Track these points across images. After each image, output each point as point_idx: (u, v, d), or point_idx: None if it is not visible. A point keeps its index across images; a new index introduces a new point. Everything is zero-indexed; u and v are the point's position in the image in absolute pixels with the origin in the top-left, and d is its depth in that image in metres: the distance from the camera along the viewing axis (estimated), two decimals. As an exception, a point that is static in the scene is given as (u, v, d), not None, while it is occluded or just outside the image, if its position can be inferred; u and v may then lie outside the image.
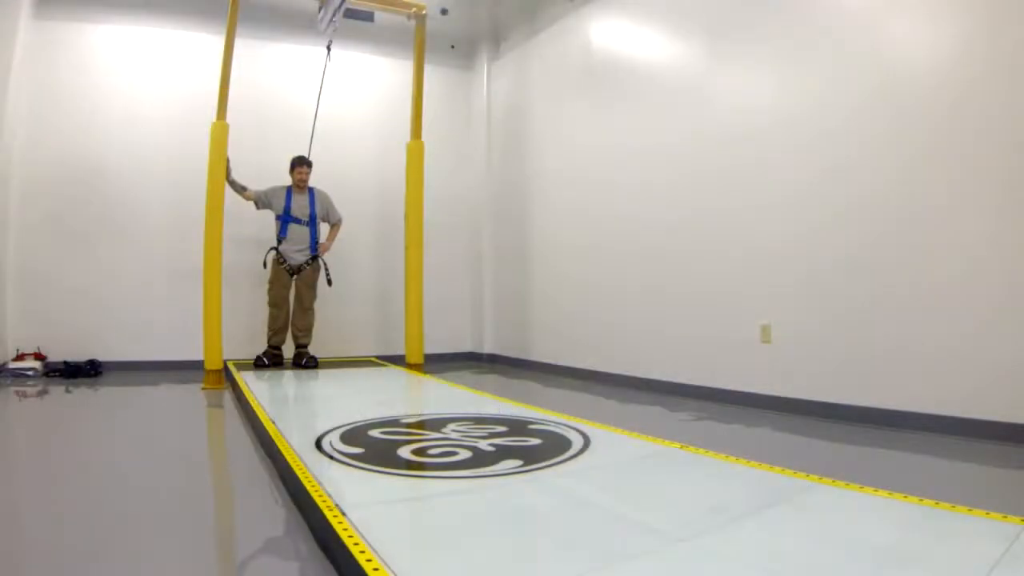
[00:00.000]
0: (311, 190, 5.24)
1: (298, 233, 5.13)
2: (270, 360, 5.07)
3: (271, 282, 5.09)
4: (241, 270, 5.38)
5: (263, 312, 5.24)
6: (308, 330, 5.22)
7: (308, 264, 5.16)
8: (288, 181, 5.25)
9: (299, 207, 5.14)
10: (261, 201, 5.07)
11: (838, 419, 3.27)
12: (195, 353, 4.76)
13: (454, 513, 1.78)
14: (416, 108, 5.48)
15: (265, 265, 5.07)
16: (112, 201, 5.28)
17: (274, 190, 5.11)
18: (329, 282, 5.26)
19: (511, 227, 6.17)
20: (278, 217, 5.10)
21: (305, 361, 5.13)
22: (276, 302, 5.09)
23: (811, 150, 3.48)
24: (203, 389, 4.43)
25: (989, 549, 1.44)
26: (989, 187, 2.79)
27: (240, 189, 4.91)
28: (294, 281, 5.16)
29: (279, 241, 5.08)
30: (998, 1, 2.77)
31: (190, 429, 3.49)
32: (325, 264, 5.26)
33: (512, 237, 6.14)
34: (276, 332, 5.10)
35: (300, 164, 5.19)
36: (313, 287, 5.22)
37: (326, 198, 5.33)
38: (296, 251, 5.12)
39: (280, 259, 5.05)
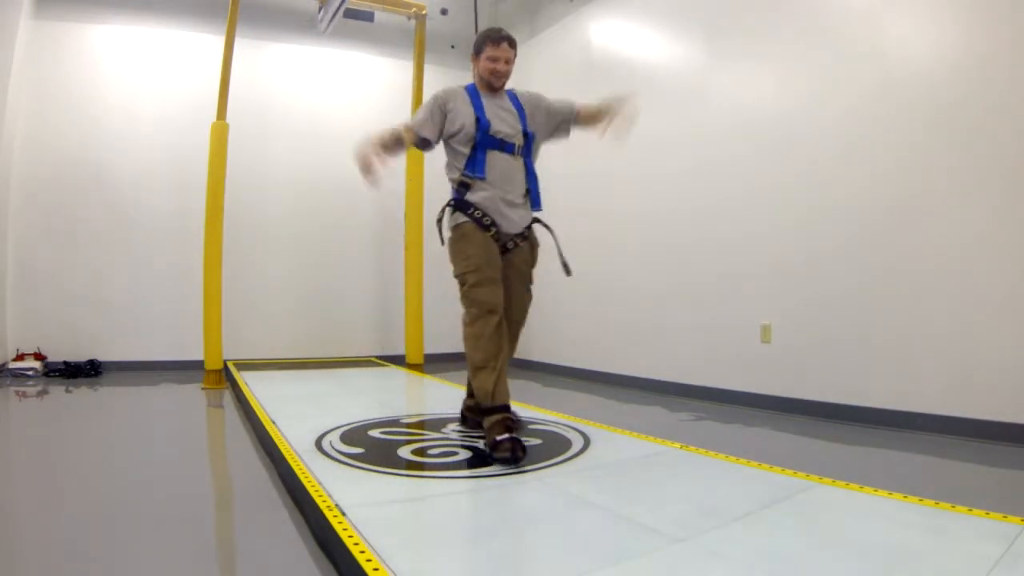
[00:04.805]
0: (510, 94, 2.65)
1: (508, 169, 2.52)
2: (510, 437, 2.24)
3: (471, 270, 2.44)
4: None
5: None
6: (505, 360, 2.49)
7: (526, 236, 2.64)
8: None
9: (503, 119, 2.54)
10: (427, 124, 2.54)
11: (838, 419, 3.27)
12: (195, 353, 4.76)
13: (454, 513, 1.78)
14: (416, 108, 5.48)
15: (443, 239, 2.62)
16: (112, 201, 5.28)
17: (447, 94, 2.57)
18: (567, 269, 2.63)
19: (511, 227, 6.15)
20: (467, 140, 2.50)
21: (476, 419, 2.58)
22: (492, 303, 2.41)
23: (810, 149, 3.48)
24: (203, 389, 4.44)
25: (989, 549, 1.44)
26: (991, 185, 2.79)
27: (397, 143, 2.57)
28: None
29: (465, 186, 2.50)
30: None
31: (190, 429, 3.49)
32: (552, 232, 2.66)
33: (512, 237, 6.12)
34: (499, 370, 2.37)
35: (498, 41, 2.55)
36: (530, 279, 2.72)
37: (537, 99, 2.68)
38: (509, 205, 2.53)
39: (483, 220, 2.48)
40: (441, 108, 2.55)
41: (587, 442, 2.55)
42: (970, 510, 1.71)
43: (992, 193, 2.78)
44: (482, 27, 6.56)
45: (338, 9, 4.93)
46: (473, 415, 2.69)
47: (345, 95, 6.14)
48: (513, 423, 2.34)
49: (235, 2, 4.67)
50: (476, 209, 2.49)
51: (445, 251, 2.63)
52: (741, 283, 3.85)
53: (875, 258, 3.18)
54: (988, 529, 1.58)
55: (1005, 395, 2.71)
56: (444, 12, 6.19)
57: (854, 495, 1.87)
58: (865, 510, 1.75)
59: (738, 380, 3.84)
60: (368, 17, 6.02)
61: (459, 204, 2.52)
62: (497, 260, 2.50)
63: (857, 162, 3.27)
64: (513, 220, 2.56)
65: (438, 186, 5.89)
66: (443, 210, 2.61)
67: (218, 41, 4.92)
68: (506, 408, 2.37)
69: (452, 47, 6.64)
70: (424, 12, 5.48)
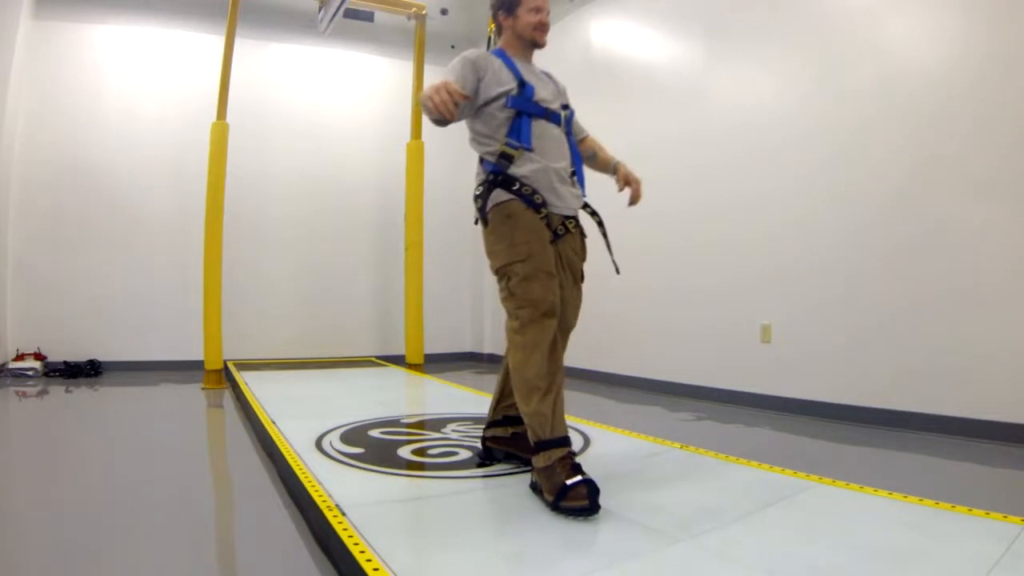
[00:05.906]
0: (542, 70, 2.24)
1: (555, 141, 2.10)
2: (584, 480, 1.71)
3: (520, 259, 1.93)
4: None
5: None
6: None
7: (575, 222, 2.21)
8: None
9: (545, 87, 2.14)
10: (466, 85, 2.05)
11: (838, 419, 3.27)
12: (195, 353, 4.76)
13: (454, 513, 1.78)
14: (416, 108, 5.49)
15: (485, 220, 2.01)
16: (112, 201, 5.27)
17: (479, 56, 2.08)
18: (616, 267, 2.42)
19: (511, 227, 6.14)
20: (505, 104, 2.02)
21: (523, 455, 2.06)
22: (549, 303, 1.95)
23: (809, 149, 3.48)
24: (203, 389, 4.44)
25: (989, 549, 1.45)
26: (990, 184, 2.78)
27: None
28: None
29: (507, 158, 1.99)
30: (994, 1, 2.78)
31: (190, 429, 3.49)
32: (602, 227, 2.38)
33: (512, 237, 6.12)
34: (557, 392, 1.88)
35: None
36: (582, 275, 2.32)
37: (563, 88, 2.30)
38: (561, 180, 2.10)
39: (533, 197, 1.98)
40: (474, 70, 2.04)
41: (587, 442, 2.55)
42: (970, 510, 1.71)
43: (991, 193, 2.77)
44: (483, 27, 6.56)
45: (338, 9, 4.93)
46: (505, 448, 2.17)
47: (345, 95, 6.14)
48: (566, 448, 1.82)
49: (235, 2, 4.66)
50: (524, 185, 1.97)
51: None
52: (741, 283, 3.85)
53: (875, 258, 3.18)
54: (988, 529, 1.58)
55: (1005, 395, 2.71)
56: (444, 12, 6.18)
57: (854, 495, 1.87)
58: (865, 510, 1.75)
59: (738, 380, 3.84)
60: (368, 17, 6.02)
61: (507, 179, 1.97)
62: (551, 249, 2.01)
63: (856, 162, 3.27)
64: (566, 198, 2.09)
65: (439, 186, 5.95)
66: (480, 186, 2.01)
67: (218, 41, 4.91)
68: (567, 440, 1.84)
69: (452, 47, 6.63)
70: (424, 12, 5.48)
